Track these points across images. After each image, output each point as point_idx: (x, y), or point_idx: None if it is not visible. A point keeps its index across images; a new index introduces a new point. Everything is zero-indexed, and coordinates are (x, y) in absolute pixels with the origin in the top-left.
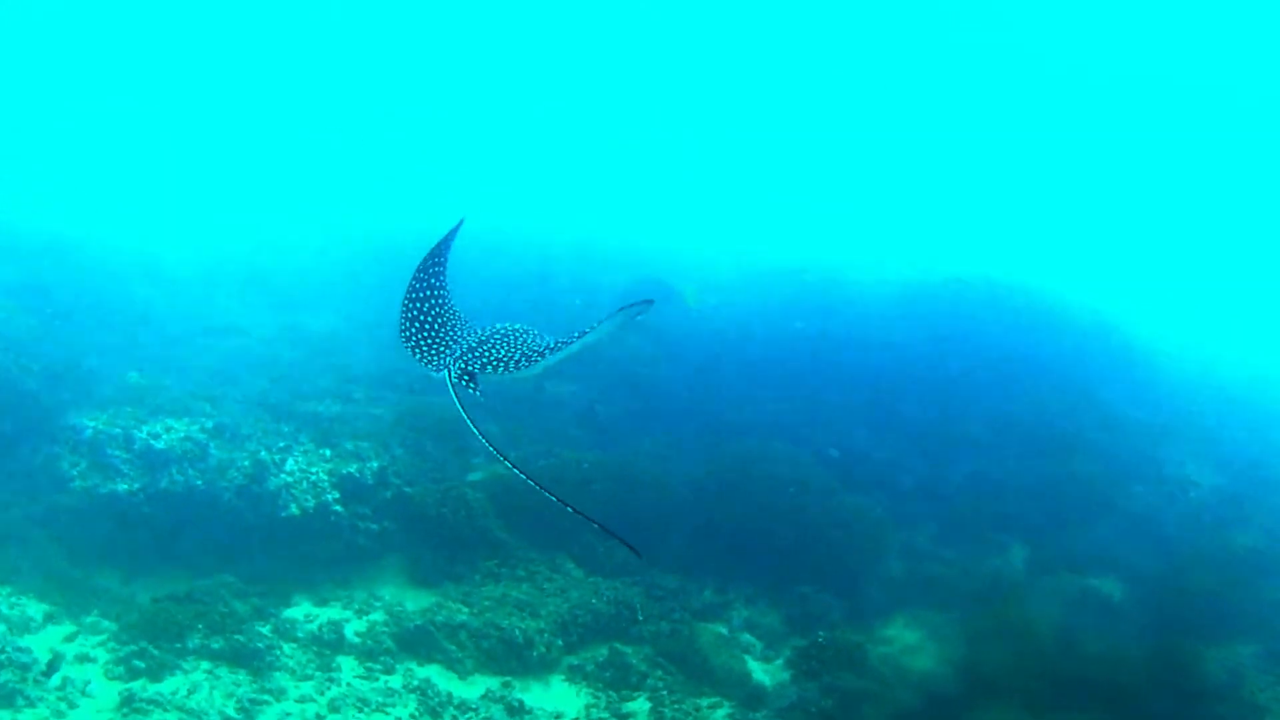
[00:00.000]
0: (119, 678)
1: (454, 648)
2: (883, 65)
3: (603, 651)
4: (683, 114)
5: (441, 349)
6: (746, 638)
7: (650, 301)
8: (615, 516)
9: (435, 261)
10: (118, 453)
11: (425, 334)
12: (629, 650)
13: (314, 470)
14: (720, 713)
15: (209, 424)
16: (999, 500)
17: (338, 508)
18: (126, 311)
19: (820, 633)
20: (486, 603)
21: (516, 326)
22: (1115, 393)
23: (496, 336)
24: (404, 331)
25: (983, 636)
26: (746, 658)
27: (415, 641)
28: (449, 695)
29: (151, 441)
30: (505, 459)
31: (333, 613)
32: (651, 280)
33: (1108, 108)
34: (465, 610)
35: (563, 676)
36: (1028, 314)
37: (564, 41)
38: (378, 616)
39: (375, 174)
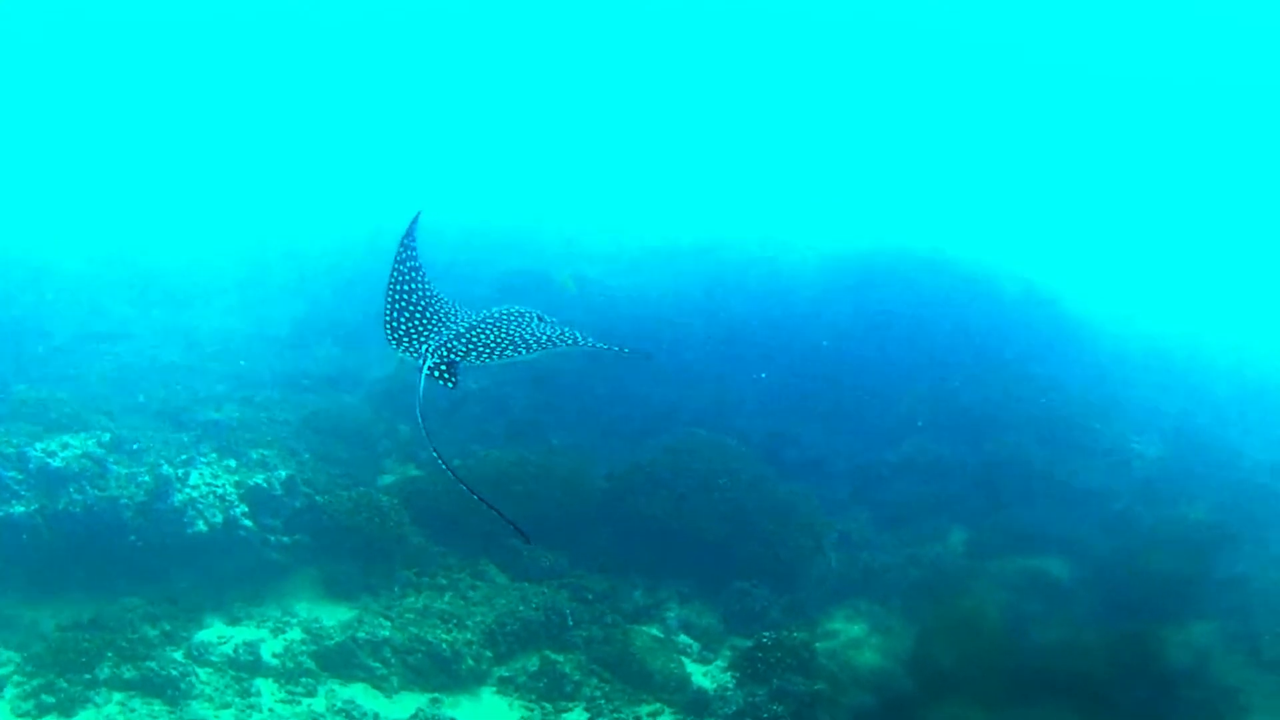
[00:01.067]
0: (27, 715)
1: (378, 665)
2: (793, 34)
3: (534, 661)
4: (598, 96)
5: (426, 335)
6: (683, 639)
7: (650, 355)
8: (536, 518)
9: (406, 251)
10: (12, 473)
11: (406, 322)
12: (561, 658)
13: (219, 483)
14: None
15: (106, 438)
16: (935, 482)
17: (246, 522)
18: (12, 320)
19: (765, 633)
20: (409, 615)
21: (513, 310)
22: (1053, 365)
23: (490, 321)
24: (386, 321)
25: (930, 630)
26: (685, 660)
27: (337, 660)
28: (375, 716)
29: (48, 460)
30: (444, 462)
31: (246, 633)
32: (529, 271)
33: (1035, 74)
34: (387, 624)
35: (494, 689)
36: (960, 286)
37: (476, 36)
38: (295, 635)
39: (286, 175)
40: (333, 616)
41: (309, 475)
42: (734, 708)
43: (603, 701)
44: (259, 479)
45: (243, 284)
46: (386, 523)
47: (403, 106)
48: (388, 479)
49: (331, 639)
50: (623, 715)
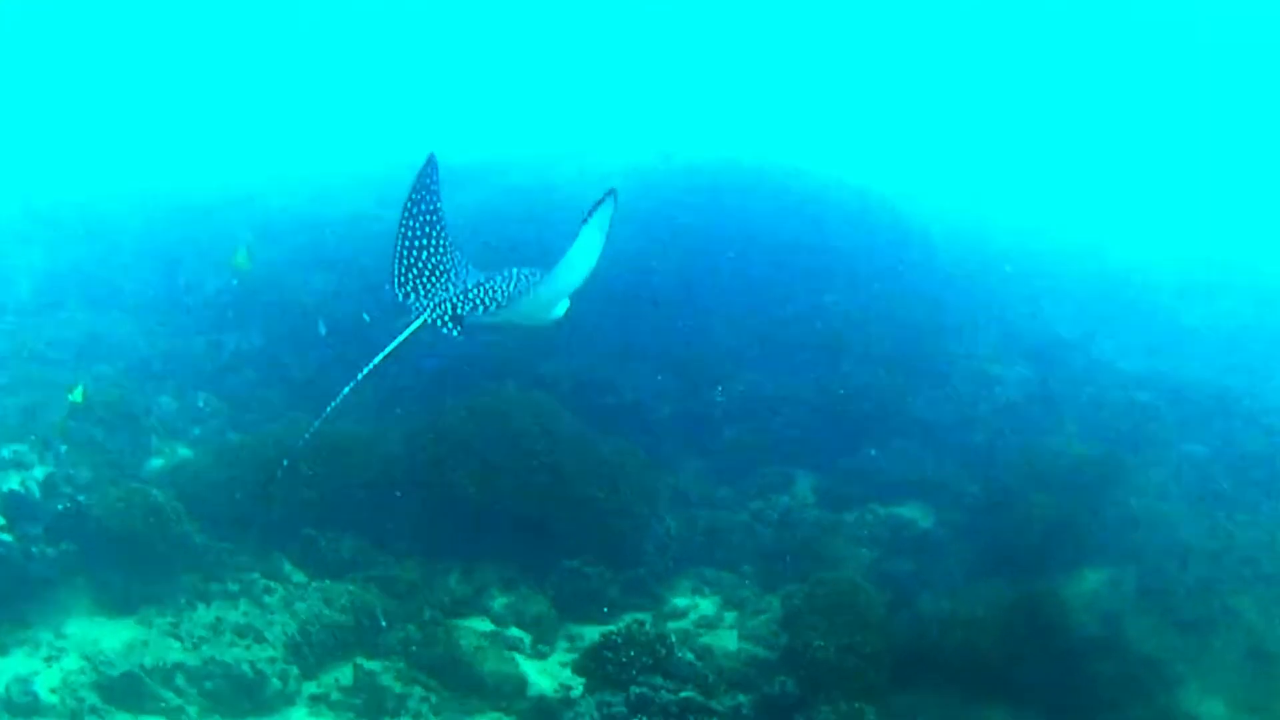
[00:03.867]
0: None
1: (171, 695)
2: None
3: (347, 673)
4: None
5: (433, 288)
6: (514, 632)
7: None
8: (331, 499)
9: (421, 194)
10: None
11: (415, 272)
12: (378, 666)
13: None
14: None
15: None
16: (774, 421)
17: (5, 536)
18: None
19: (613, 629)
20: (200, 632)
21: (526, 271)
22: (901, 283)
23: (499, 279)
24: (395, 271)
25: (798, 612)
26: (518, 657)
27: (123, 692)
28: None
29: None
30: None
31: (18, 664)
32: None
33: None
34: (176, 645)
35: (306, 711)
36: (789, 200)
37: None
38: (71, 663)
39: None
40: (113, 637)
41: (69, 471)
42: None
43: (430, 716)
44: (14, 483)
45: None
46: (164, 523)
47: None
48: (156, 463)
49: (115, 667)
50: None
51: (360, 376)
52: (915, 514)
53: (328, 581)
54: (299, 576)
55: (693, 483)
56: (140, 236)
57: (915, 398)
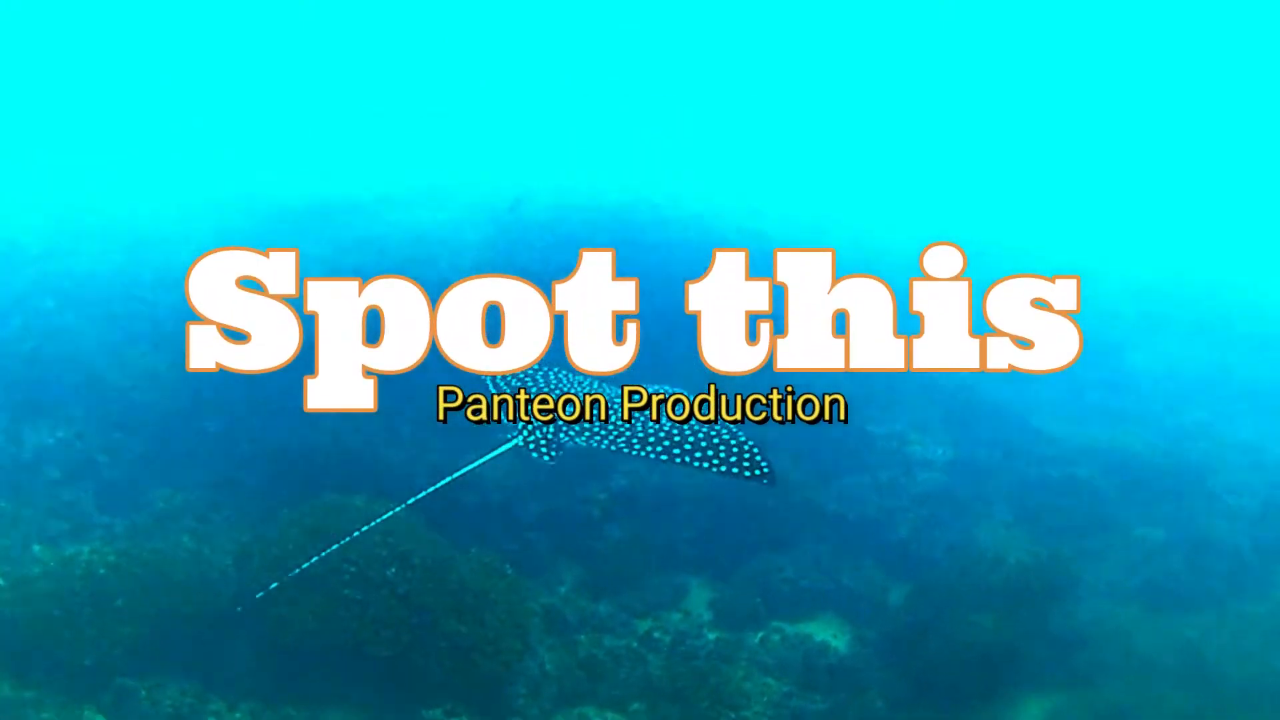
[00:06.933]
0: None
1: None
2: None
3: None
4: None
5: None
6: None
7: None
8: (151, 638)
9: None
10: None
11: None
12: None
13: None
14: None
15: None
16: (660, 521)
17: None
18: None
19: None
20: None
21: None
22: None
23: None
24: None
25: None
26: None
27: None
28: None
29: None
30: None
31: None
32: None
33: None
34: None
35: None
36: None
37: None
38: None
39: None
40: None
41: None
42: None
43: None
44: None
45: None
46: None
47: None
48: None
49: None
50: None
51: (417, 498)
52: (828, 633)
53: None
54: None
55: (570, 598)
56: None
57: (827, 489)
